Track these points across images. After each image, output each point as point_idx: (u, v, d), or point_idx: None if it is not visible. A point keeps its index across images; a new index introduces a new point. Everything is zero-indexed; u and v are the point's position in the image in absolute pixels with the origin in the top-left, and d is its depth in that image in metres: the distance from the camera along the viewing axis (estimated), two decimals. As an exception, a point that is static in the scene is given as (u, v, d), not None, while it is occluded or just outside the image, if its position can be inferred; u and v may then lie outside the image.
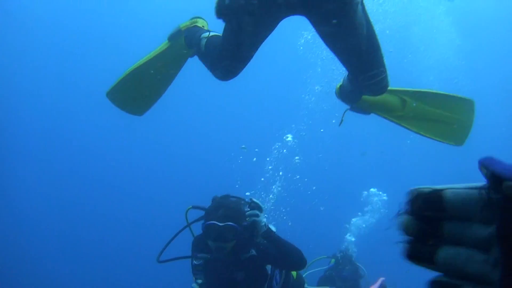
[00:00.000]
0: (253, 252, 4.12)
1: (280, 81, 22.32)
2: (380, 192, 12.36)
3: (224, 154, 16.71)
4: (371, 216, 11.70)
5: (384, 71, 3.40)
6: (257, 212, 3.98)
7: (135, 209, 22.85)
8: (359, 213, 11.75)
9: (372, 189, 12.56)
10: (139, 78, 4.63)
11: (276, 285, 4.33)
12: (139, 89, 4.76)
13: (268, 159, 9.30)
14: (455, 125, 4.29)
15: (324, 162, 16.53)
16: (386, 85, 3.54)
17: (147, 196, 23.10)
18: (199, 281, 4.19)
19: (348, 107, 4.10)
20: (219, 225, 4.00)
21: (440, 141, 4.28)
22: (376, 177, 16.06)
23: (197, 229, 4.40)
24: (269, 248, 4.06)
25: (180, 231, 4.52)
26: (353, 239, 9.22)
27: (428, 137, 4.24)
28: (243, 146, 12.85)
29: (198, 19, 4.36)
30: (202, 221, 4.25)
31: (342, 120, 4.16)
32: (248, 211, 4.02)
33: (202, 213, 4.37)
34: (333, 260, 6.97)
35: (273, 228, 4.11)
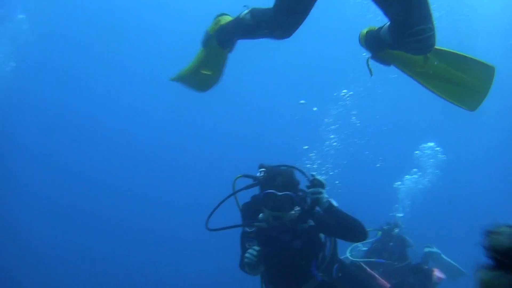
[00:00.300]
0: (311, 222, 4.18)
1: (338, 41, 21.51)
2: (438, 148, 12.07)
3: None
4: (423, 176, 11.60)
5: (433, 29, 3.19)
6: (320, 189, 4.04)
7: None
8: (412, 172, 11.62)
9: (429, 144, 12.18)
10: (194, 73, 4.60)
11: (328, 252, 4.42)
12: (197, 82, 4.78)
13: (326, 119, 9.43)
14: (472, 90, 4.23)
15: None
16: (432, 45, 3.34)
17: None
18: (256, 247, 4.19)
19: (369, 55, 3.96)
20: (277, 194, 4.04)
21: (453, 103, 4.21)
22: (434, 131, 15.59)
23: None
24: (328, 219, 4.11)
25: (226, 199, 4.53)
26: (401, 214, 9.21)
27: (443, 98, 4.16)
28: (302, 101, 12.91)
29: (221, 18, 4.32)
30: (248, 189, 4.39)
31: (370, 70, 4.03)
32: (310, 187, 4.07)
33: (247, 181, 4.48)
34: (379, 233, 6.94)
35: (335, 203, 4.14)
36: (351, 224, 4.18)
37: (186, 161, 24.13)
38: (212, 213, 4.45)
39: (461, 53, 4.16)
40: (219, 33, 4.18)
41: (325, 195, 4.06)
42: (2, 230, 17.26)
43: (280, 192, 4.05)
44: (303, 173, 4.33)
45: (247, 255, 4.12)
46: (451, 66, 4.11)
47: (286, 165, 4.41)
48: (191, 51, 4.55)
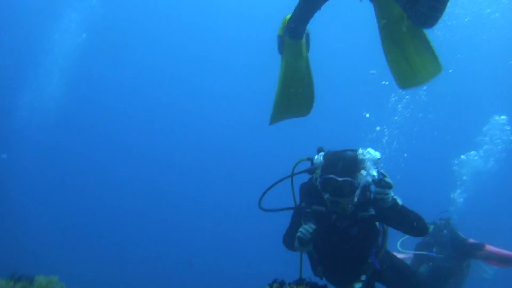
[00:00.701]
0: (372, 211, 4.23)
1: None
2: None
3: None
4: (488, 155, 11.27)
5: (443, 11, 3.30)
6: (386, 191, 4.02)
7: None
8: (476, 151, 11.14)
9: (501, 117, 11.55)
10: (287, 100, 4.79)
11: (381, 241, 4.48)
12: (293, 105, 4.91)
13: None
14: (413, 72, 4.39)
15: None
16: (434, 24, 3.52)
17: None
18: (312, 225, 4.24)
19: None
20: (338, 179, 4.09)
21: (391, 71, 4.44)
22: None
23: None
24: (391, 213, 4.12)
25: (282, 180, 4.56)
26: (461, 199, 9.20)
27: (387, 61, 4.37)
28: (373, 71, 12.64)
29: (284, 19, 4.46)
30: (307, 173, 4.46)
31: None
32: (377, 187, 4.09)
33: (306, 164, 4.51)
34: (432, 227, 6.95)
35: (399, 201, 4.15)
36: (414, 220, 4.20)
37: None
38: (265, 192, 4.54)
39: (428, 38, 4.33)
40: (287, 27, 4.38)
41: (391, 195, 4.05)
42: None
43: (340, 177, 4.08)
44: (366, 161, 4.27)
45: (301, 229, 4.24)
46: (413, 41, 4.30)
47: (351, 150, 4.35)
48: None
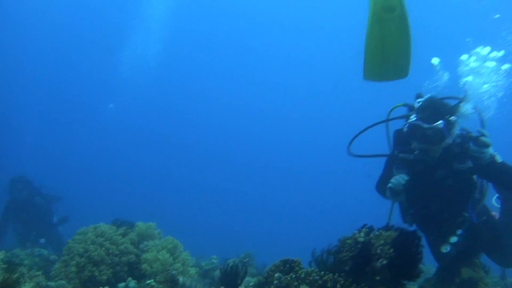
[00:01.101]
0: (470, 164, 3.96)
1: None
2: None
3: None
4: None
5: None
6: (483, 150, 3.83)
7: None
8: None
9: None
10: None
11: (479, 195, 4.24)
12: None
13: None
14: (383, 66, 4.14)
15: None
16: None
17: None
18: (405, 176, 4.08)
19: None
20: (424, 126, 3.88)
21: (364, 57, 4.13)
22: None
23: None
24: (488, 168, 3.87)
25: (374, 124, 4.40)
26: None
27: (365, 46, 4.08)
28: None
29: None
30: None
31: None
32: (474, 144, 3.87)
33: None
34: None
35: (499, 158, 3.90)
36: None
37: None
38: (355, 137, 4.39)
39: (410, 42, 4.07)
40: None
41: (489, 153, 3.85)
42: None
43: (427, 124, 3.86)
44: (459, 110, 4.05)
45: (393, 180, 4.09)
46: (398, 38, 4.06)
47: (450, 97, 4.18)
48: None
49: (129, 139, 33.48)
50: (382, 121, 4.45)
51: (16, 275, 2.89)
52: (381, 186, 4.48)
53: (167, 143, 36.36)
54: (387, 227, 3.61)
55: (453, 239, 4.11)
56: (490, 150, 3.85)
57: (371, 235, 3.39)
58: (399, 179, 4.08)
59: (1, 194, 10.06)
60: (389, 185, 4.11)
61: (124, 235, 5.16)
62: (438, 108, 3.98)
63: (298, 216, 28.59)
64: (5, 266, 2.92)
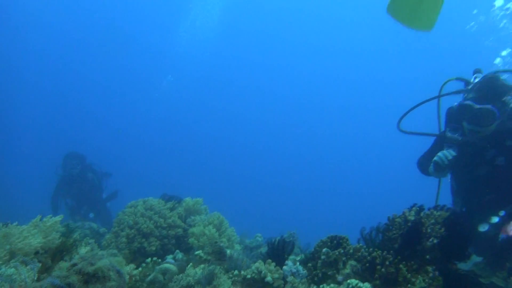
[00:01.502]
0: None
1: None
2: None
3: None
4: None
5: None
6: None
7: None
8: None
9: None
10: None
11: None
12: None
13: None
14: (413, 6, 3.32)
15: None
16: None
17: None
18: (453, 152, 3.94)
19: None
20: (474, 107, 3.71)
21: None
22: None
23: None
24: None
25: (426, 101, 4.27)
26: None
27: None
28: None
29: None
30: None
31: None
32: None
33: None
34: None
35: None
36: None
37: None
38: (406, 114, 4.30)
39: None
40: None
41: None
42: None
43: (478, 104, 3.68)
44: None
45: (440, 154, 3.96)
46: None
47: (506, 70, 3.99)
48: None
49: (185, 111, 34.30)
50: (434, 97, 4.29)
51: (72, 239, 3.01)
52: (424, 163, 4.35)
53: (222, 117, 37.00)
54: (437, 207, 3.56)
55: (494, 219, 3.88)
56: None
57: (422, 214, 3.35)
58: (447, 153, 3.95)
59: (52, 169, 10.44)
60: (435, 158, 3.99)
61: (172, 209, 5.26)
62: (494, 88, 3.77)
63: (342, 202, 28.67)
64: (63, 229, 3.04)
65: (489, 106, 3.67)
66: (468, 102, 3.78)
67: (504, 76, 3.96)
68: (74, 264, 1.86)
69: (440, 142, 4.22)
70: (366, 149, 35.07)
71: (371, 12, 27.72)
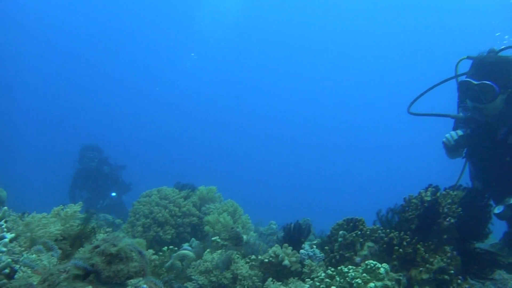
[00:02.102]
0: None
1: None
2: None
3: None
4: None
5: None
6: None
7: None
8: None
9: None
10: None
11: None
12: None
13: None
14: None
15: None
16: None
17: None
18: (460, 132, 3.92)
19: None
20: (473, 83, 3.70)
21: None
22: None
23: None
24: None
25: (438, 84, 4.23)
26: None
27: None
28: None
29: None
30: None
31: None
32: None
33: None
34: None
35: None
36: None
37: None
38: (419, 97, 4.27)
39: None
40: None
41: None
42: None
43: (476, 80, 3.67)
44: None
45: (447, 135, 3.99)
46: None
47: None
48: None
49: (198, 99, 34.60)
50: (449, 79, 4.21)
51: (91, 226, 3.04)
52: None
53: (236, 104, 37.29)
54: (454, 187, 3.54)
55: (510, 200, 3.80)
56: None
57: (438, 194, 3.33)
58: (453, 133, 3.95)
59: (68, 163, 10.51)
60: (443, 139, 4.01)
61: (186, 198, 5.28)
62: (489, 64, 3.73)
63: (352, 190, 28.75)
64: (83, 216, 3.08)
65: (487, 82, 3.63)
66: (467, 79, 3.77)
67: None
68: (97, 246, 1.88)
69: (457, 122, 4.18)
70: (379, 133, 35.10)
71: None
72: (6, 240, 1.66)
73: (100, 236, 3.03)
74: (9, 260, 1.61)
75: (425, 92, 4.25)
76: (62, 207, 3.03)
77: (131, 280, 1.77)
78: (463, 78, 3.85)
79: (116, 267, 1.81)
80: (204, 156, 34.08)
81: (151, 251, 3.47)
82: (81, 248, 2.88)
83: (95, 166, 10.24)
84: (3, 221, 1.72)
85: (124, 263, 1.82)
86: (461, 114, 3.97)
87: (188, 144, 35.81)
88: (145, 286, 1.74)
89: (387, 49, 32.77)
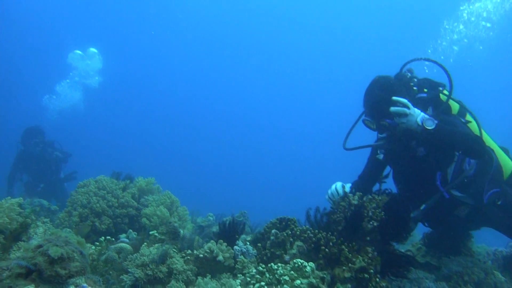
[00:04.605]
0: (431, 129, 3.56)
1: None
2: None
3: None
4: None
5: None
6: (401, 120, 3.62)
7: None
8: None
9: None
10: None
11: (469, 169, 3.85)
12: None
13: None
14: None
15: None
16: None
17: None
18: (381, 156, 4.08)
19: None
20: (372, 127, 3.96)
21: None
22: None
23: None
24: (425, 136, 3.60)
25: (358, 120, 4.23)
26: None
27: None
28: None
29: None
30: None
31: None
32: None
33: None
34: None
35: (428, 125, 3.53)
36: (454, 142, 3.67)
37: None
38: (349, 133, 4.25)
39: None
40: None
41: (410, 122, 3.62)
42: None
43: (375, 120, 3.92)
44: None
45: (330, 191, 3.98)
46: None
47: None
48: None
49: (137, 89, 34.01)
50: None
51: (29, 219, 3.07)
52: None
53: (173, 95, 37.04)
54: (379, 192, 3.83)
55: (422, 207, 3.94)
56: (412, 118, 3.59)
57: (365, 199, 3.60)
58: (338, 188, 3.94)
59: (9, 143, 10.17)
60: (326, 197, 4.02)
61: (124, 189, 5.33)
62: (375, 96, 3.91)
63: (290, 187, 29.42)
64: (21, 210, 3.09)
65: (384, 121, 3.85)
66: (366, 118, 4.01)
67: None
68: (40, 246, 1.96)
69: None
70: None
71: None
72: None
73: (39, 229, 3.07)
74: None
75: (354, 124, 4.28)
76: (-2, 199, 3.04)
77: (72, 279, 1.87)
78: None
79: (58, 266, 1.90)
80: (142, 147, 33.73)
81: (88, 245, 3.54)
82: (18, 241, 2.92)
83: (39, 151, 9.99)
84: None
85: (66, 263, 1.92)
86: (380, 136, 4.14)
87: (124, 136, 35.34)
88: (85, 285, 1.85)
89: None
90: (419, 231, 4.94)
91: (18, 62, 32.13)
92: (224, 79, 38.66)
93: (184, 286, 3.19)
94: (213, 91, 39.01)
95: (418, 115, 3.57)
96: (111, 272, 3.32)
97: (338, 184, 3.93)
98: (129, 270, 3.34)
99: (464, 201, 3.90)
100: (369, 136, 4.30)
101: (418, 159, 3.91)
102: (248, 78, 38.90)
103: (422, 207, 3.88)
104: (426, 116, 3.58)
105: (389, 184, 4.26)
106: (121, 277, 3.27)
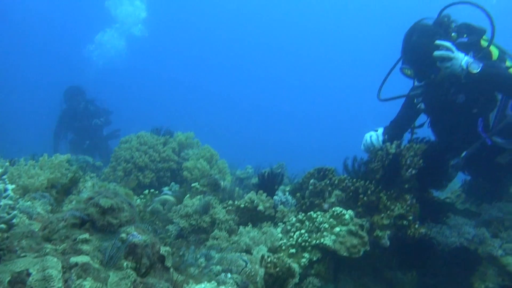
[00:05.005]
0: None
1: None
2: None
3: None
4: None
5: None
6: (445, 65, 3.49)
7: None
8: None
9: None
10: None
11: (497, 114, 3.78)
12: None
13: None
14: None
15: None
16: None
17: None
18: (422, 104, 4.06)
19: None
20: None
21: None
22: None
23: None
24: (472, 80, 3.45)
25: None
26: None
27: None
28: None
29: None
30: None
31: None
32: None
33: None
34: None
35: (473, 69, 3.42)
36: (501, 82, 3.51)
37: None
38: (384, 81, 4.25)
39: None
40: None
41: (455, 66, 3.49)
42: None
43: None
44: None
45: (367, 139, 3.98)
46: None
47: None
48: None
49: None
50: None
51: (78, 174, 3.23)
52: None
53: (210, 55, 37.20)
54: (417, 140, 3.81)
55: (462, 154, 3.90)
56: (456, 62, 3.50)
57: (402, 147, 3.60)
58: (373, 136, 3.95)
59: (51, 104, 10.46)
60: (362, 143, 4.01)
61: (165, 144, 5.47)
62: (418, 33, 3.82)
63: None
64: (69, 166, 3.26)
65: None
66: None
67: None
68: (90, 198, 2.08)
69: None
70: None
71: None
72: (10, 192, 1.83)
73: (88, 183, 3.23)
74: (16, 212, 1.79)
75: (389, 74, 4.24)
76: (46, 156, 3.20)
77: (123, 228, 1.99)
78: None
79: (109, 216, 2.02)
80: (181, 103, 34.10)
81: (137, 200, 3.70)
82: (70, 195, 3.08)
83: (82, 108, 10.28)
84: (5, 176, 1.89)
85: (117, 213, 2.04)
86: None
87: (166, 88, 35.82)
88: (135, 233, 1.96)
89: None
90: (458, 179, 4.90)
91: (55, 12, 32.52)
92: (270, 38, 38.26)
93: (227, 234, 3.31)
94: (259, 47, 38.70)
95: (462, 58, 3.48)
96: (157, 222, 3.47)
97: (374, 135, 3.92)
98: (174, 220, 3.49)
99: (507, 147, 3.83)
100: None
101: (458, 106, 3.84)
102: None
103: (463, 154, 3.83)
104: (471, 59, 3.49)
105: (424, 133, 4.22)
106: (167, 227, 3.43)
